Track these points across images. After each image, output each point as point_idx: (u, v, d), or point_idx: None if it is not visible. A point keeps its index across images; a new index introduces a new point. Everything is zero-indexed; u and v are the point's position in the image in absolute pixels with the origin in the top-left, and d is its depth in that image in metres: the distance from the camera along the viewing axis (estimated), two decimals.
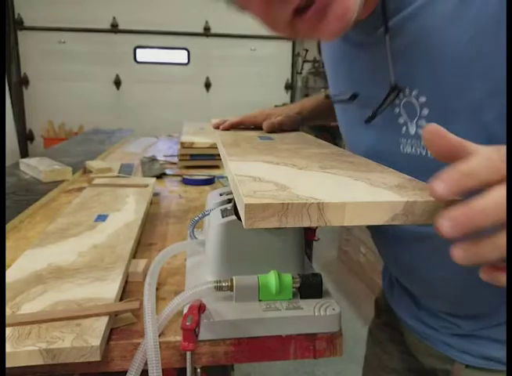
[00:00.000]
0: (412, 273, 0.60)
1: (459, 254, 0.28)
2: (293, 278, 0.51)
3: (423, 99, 0.46)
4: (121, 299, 0.54)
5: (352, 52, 0.54)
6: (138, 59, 4.22)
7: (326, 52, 0.64)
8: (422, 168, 0.43)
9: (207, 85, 4.36)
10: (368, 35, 0.49)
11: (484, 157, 0.28)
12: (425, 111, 0.46)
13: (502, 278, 0.29)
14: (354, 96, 0.54)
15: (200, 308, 0.47)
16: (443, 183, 0.28)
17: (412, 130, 0.48)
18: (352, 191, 0.32)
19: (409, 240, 0.54)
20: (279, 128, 0.75)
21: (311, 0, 0.41)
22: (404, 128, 0.49)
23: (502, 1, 0.38)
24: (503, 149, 0.29)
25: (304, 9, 0.41)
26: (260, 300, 0.51)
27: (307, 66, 4.40)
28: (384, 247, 0.63)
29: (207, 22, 4.17)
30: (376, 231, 0.63)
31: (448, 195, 0.28)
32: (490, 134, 0.42)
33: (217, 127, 0.77)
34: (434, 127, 0.31)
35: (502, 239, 0.27)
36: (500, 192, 0.27)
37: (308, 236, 0.65)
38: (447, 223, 0.27)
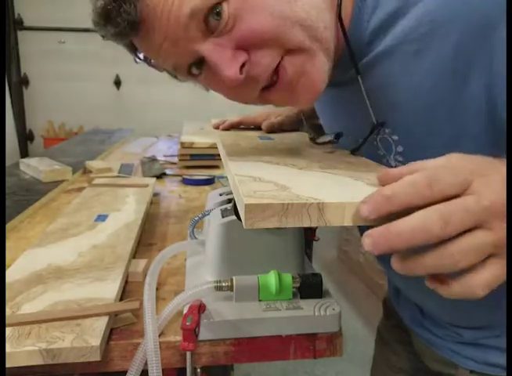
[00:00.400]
0: (413, 285, 0.60)
1: (395, 265, 0.30)
2: (293, 278, 0.51)
3: (395, 137, 0.48)
4: (121, 299, 0.54)
5: (333, 91, 0.55)
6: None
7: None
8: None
9: None
10: (343, 74, 0.50)
11: (407, 182, 0.29)
12: (400, 148, 0.48)
13: (441, 289, 0.30)
14: (338, 136, 0.55)
15: (200, 308, 0.47)
16: (366, 205, 0.29)
17: (392, 162, 0.50)
18: (352, 191, 0.32)
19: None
20: (278, 129, 0.75)
21: (276, 79, 0.42)
22: (385, 160, 0.51)
23: (457, 51, 0.39)
24: (438, 172, 0.29)
25: (272, 84, 0.43)
26: (260, 300, 0.51)
27: None
28: (384, 259, 0.64)
29: None
30: None
31: (371, 216, 0.29)
32: None
33: (217, 127, 0.77)
34: (384, 171, 0.33)
35: (428, 259, 0.28)
36: (416, 218, 0.28)
37: (308, 236, 0.65)
38: (367, 241, 0.28)
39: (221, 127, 0.77)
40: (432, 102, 0.43)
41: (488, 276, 0.28)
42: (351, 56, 0.46)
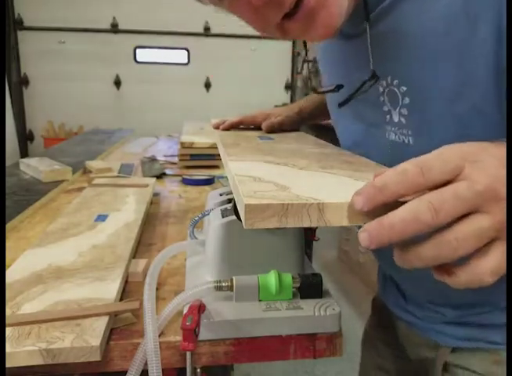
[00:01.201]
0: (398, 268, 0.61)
1: (396, 259, 0.30)
2: (293, 278, 0.51)
3: (403, 88, 0.48)
4: (121, 299, 0.54)
5: (340, 43, 0.55)
6: (139, 59, 4.21)
7: (319, 48, 0.65)
8: (404, 155, 0.44)
9: (207, 85, 4.36)
10: (354, 27, 0.50)
11: (398, 170, 0.29)
12: (406, 100, 0.48)
13: (448, 280, 0.29)
14: (339, 87, 0.54)
15: (200, 308, 0.47)
16: (360, 197, 0.29)
17: (396, 118, 0.50)
18: (352, 191, 0.32)
19: None
20: (278, 128, 0.75)
21: (299, 4, 0.42)
22: (388, 117, 0.51)
23: None
24: (429, 159, 0.29)
25: (293, 13, 0.43)
26: (260, 300, 0.51)
27: (307, 67, 4.40)
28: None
29: (207, 22, 4.17)
30: None
31: (365, 208, 0.29)
32: (464, 126, 0.44)
33: (217, 127, 0.78)
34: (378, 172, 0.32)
35: (426, 249, 0.28)
36: (407, 208, 0.27)
37: (308, 236, 0.65)
38: (363, 236, 0.28)
39: (221, 127, 0.77)
40: (443, 48, 0.42)
41: (494, 261, 0.28)
42: (365, 3, 0.47)
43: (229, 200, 0.62)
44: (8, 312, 0.47)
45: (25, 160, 1.28)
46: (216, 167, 1.38)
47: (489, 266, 0.28)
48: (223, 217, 0.55)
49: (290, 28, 0.45)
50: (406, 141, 0.50)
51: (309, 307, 0.50)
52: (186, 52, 4.27)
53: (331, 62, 0.62)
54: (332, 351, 0.50)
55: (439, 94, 0.45)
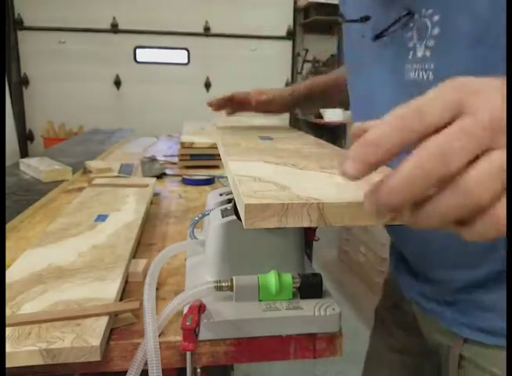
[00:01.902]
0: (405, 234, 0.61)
1: (409, 218, 0.26)
2: (293, 278, 0.51)
3: (436, 17, 0.46)
4: (121, 299, 0.54)
5: None
6: (139, 59, 4.21)
7: None
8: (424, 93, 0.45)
9: (207, 85, 4.36)
10: None
11: (394, 116, 0.24)
12: (435, 30, 0.46)
13: (463, 230, 0.25)
14: (366, 18, 0.52)
15: (200, 308, 0.47)
16: (350, 161, 0.24)
17: (420, 52, 0.48)
18: (353, 191, 0.32)
19: None
20: (265, 107, 0.77)
21: None
22: (411, 53, 0.49)
23: None
24: (425, 101, 0.25)
25: None
26: (260, 300, 0.51)
27: (307, 66, 4.40)
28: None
29: (207, 22, 4.16)
30: None
31: (359, 174, 0.24)
32: (490, 65, 0.42)
33: (211, 105, 0.80)
34: (356, 127, 0.29)
35: (444, 206, 0.23)
36: (412, 162, 0.23)
37: (308, 236, 0.65)
38: (367, 205, 0.25)
39: (214, 104, 0.79)
40: None
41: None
42: None
43: (229, 200, 0.62)
44: (8, 312, 0.47)
45: (25, 160, 1.28)
46: (216, 167, 1.38)
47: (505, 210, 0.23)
48: (223, 217, 0.55)
49: None
50: (426, 77, 0.47)
51: (309, 307, 0.50)
52: (186, 52, 4.27)
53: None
54: (332, 351, 0.50)
55: (469, 28, 0.43)
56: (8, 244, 0.73)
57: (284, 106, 0.80)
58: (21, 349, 0.41)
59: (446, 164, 0.23)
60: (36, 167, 1.17)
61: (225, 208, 0.58)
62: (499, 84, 0.26)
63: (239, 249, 0.54)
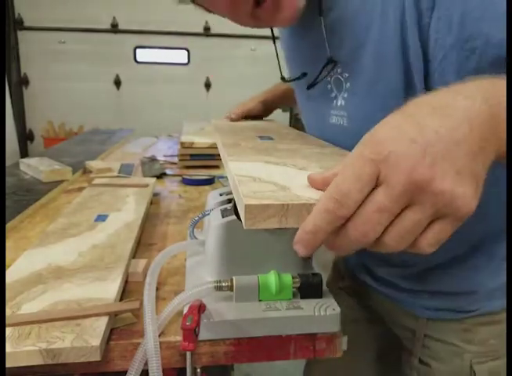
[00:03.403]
0: None
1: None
2: (293, 278, 0.51)
3: (346, 74, 0.55)
4: (121, 299, 0.54)
5: (300, 33, 0.64)
6: (139, 59, 4.21)
7: (282, 41, 0.74)
8: (342, 136, 0.57)
9: (207, 85, 4.36)
10: (310, 15, 0.57)
11: (321, 211, 0.29)
12: (348, 84, 0.55)
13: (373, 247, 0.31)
14: (303, 74, 0.63)
15: (200, 308, 0.47)
16: (299, 246, 0.31)
17: (339, 102, 0.58)
18: None
19: None
20: (243, 116, 0.90)
21: None
22: (334, 102, 0.59)
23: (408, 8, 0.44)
24: (342, 183, 0.29)
25: (262, 1, 0.51)
26: (260, 300, 0.51)
27: None
28: None
29: (207, 22, 4.16)
30: None
31: (308, 254, 0.31)
32: (384, 107, 0.48)
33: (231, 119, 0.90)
34: (311, 176, 0.34)
35: (349, 233, 0.29)
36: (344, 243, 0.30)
37: None
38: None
39: (233, 119, 0.89)
40: (394, 48, 0.47)
41: (431, 238, 0.29)
42: None
43: (229, 200, 0.62)
44: (8, 312, 0.47)
45: (25, 160, 1.28)
46: (216, 167, 1.38)
47: (426, 242, 0.29)
48: (223, 217, 0.55)
49: (261, 15, 0.52)
50: (343, 123, 0.57)
51: (309, 307, 0.50)
52: (186, 52, 4.27)
53: (292, 54, 0.70)
54: (332, 351, 0.50)
55: (381, 91, 0.50)
56: (8, 244, 0.73)
57: (267, 111, 0.97)
58: (21, 349, 0.41)
59: (372, 235, 0.29)
60: (36, 167, 1.17)
61: (225, 208, 0.58)
62: (413, 109, 0.31)
63: (239, 249, 0.54)
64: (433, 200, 0.28)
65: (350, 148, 0.32)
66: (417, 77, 0.46)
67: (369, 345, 0.79)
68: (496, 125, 0.30)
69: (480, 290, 0.59)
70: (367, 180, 0.28)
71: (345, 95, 0.56)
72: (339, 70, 0.56)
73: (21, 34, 3.97)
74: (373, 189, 0.29)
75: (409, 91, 0.47)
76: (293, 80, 0.65)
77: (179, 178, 1.25)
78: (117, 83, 4.23)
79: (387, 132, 0.30)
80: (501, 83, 0.32)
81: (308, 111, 0.70)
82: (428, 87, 0.46)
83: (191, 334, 0.45)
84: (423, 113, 0.30)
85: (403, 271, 0.64)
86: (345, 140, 0.45)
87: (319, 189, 0.33)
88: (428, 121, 0.29)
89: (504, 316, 0.59)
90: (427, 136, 0.28)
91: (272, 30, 0.67)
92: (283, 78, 0.68)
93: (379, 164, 0.28)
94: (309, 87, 0.60)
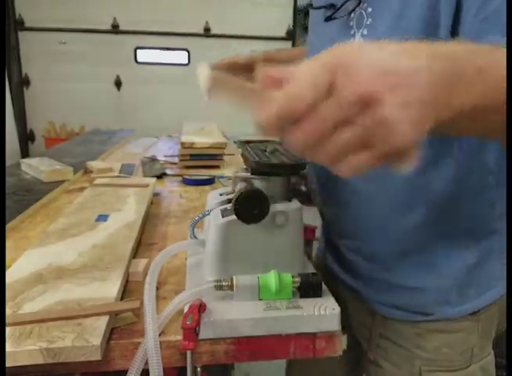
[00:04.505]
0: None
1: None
2: (292, 277, 0.51)
3: (370, 9, 0.55)
4: (122, 299, 0.54)
5: None
6: (139, 59, 4.21)
7: None
8: None
9: None
10: None
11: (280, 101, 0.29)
12: (369, 20, 0.55)
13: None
14: (331, 5, 0.61)
15: (201, 307, 0.47)
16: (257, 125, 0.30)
17: (357, 39, 0.57)
18: None
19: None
20: (227, 66, 0.83)
21: None
22: (352, 39, 0.57)
23: None
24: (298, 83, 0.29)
25: None
26: (260, 299, 0.51)
27: None
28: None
29: (207, 22, 4.16)
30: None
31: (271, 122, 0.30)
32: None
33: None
34: (263, 70, 0.33)
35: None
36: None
37: (307, 235, 0.65)
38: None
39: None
40: None
41: (355, 164, 0.30)
42: None
43: (229, 200, 0.62)
44: (8, 311, 0.47)
45: (26, 160, 1.29)
46: (216, 167, 1.38)
47: (347, 165, 0.30)
48: (223, 217, 0.56)
49: None
50: None
51: (309, 306, 0.50)
52: (187, 53, 4.27)
53: None
54: (331, 350, 0.50)
55: (389, 13, 0.50)
56: (8, 244, 0.73)
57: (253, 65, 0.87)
58: (22, 349, 0.41)
59: (308, 141, 0.29)
60: (37, 167, 1.17)
61: (225, 208, 0.58)
62: (393, 48, 0.31)
63: (239, 249, 0.54)
64: (371, 125, 0.28)
65: None
66: (443, 21, 0.45)
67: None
68: (449, 88, 0.30)
69: (438, 289, 0.59)
70: (322, 82, 0.29)
71: (364, 32, 0.55)
72: (364, 5, 0.56)
73: (22, 35, 3.97)
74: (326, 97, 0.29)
75: (431, 32, 0.47)
76: (320, 8, 0.64)
77: (179, 178, 1.25)
78: (118, 84, 4.23)
79: (355, 48, 0.31)
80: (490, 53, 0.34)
81: (316, 47, 0.67)
82: (455, 35, 0.46)
83: (191, 333, 0.45)
84: (394, 48, 0.31)
85: (366, 247, 0.64)
86: None
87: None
88: (399, 56, 0.30)
89: (459, 326, 0.59)
90: (394, 63, 0.29)
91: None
92: (310, 5, 0.67)
93: (338, 68, 0.29)
94: (328, 18, 0.60)
